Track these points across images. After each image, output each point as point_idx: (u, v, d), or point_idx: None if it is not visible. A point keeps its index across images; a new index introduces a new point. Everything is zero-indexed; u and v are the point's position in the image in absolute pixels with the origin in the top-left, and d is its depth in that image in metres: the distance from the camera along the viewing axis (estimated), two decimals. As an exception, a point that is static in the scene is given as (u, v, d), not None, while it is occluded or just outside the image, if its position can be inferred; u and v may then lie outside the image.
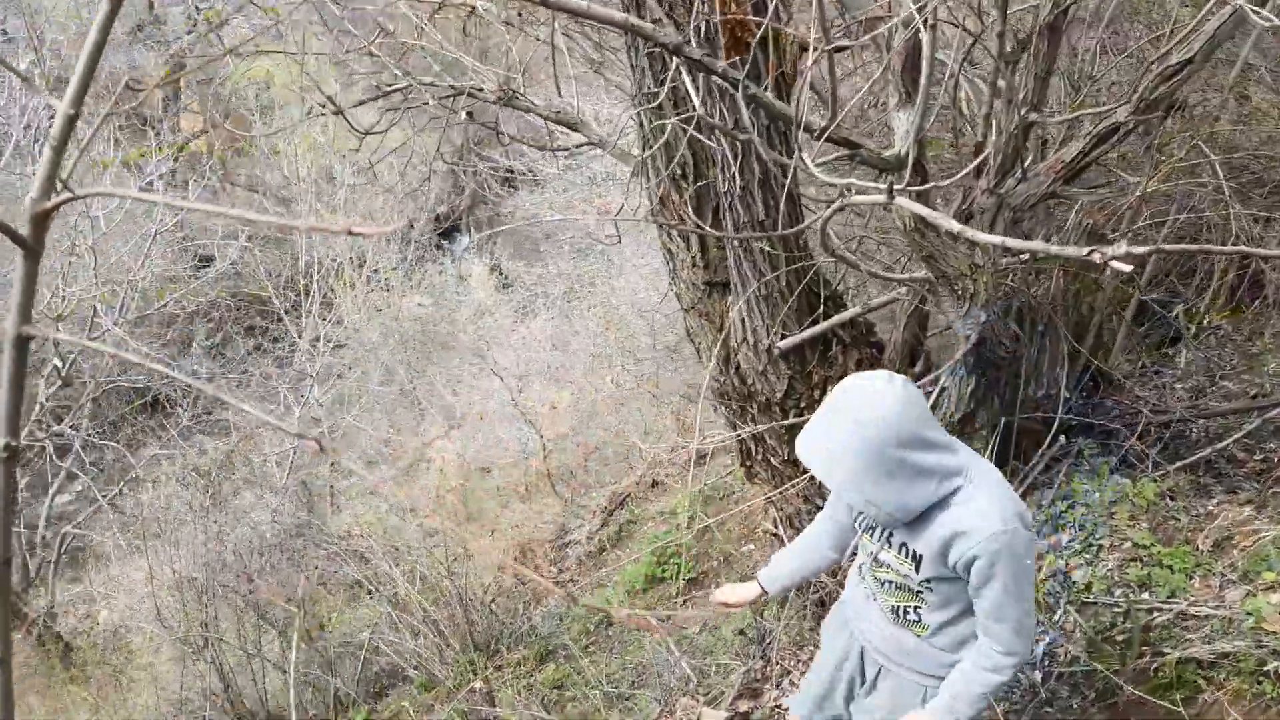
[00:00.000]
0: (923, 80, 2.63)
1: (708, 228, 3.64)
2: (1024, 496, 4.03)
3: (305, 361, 12.04)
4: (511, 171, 14.33)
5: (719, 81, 2.76)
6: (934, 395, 3.60)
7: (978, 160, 3.32)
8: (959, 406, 3.75)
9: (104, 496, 10.72)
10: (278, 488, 8.04)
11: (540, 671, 6.05)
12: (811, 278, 3.79)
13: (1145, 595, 3.40)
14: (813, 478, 3.75)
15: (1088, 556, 3.64)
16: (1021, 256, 3.51)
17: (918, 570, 2.16)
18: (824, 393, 3.90)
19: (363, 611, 6.59)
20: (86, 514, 11.00)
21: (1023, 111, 3.27)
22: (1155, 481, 3.84)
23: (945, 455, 2.05)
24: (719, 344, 4.00)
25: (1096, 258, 1.64)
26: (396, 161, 12.09)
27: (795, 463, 4.01)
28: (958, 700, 2.17)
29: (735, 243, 3.73)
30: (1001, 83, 3.19)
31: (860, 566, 2.46)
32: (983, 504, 2.03)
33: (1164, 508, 3.71)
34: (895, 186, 2.20)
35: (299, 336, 12.00)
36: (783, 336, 3.84)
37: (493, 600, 6.61)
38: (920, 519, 2.06)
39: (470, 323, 11.55)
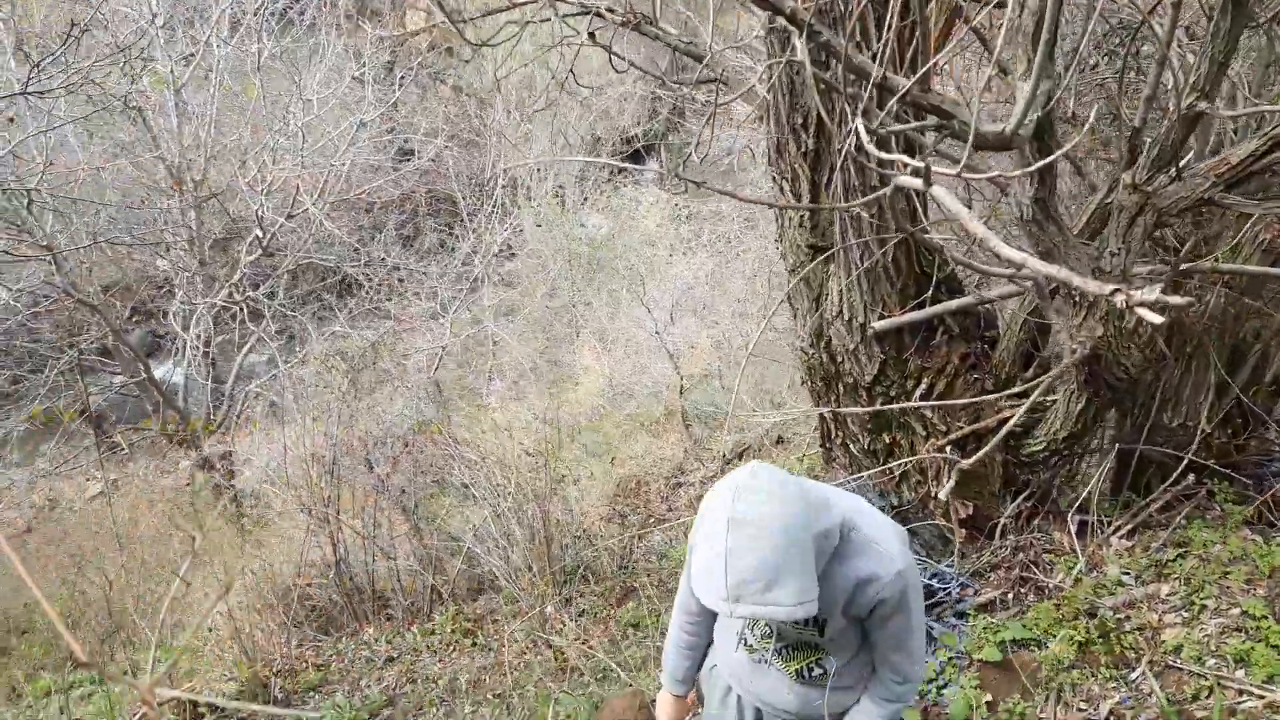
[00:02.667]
0: (1042, 43, 2.27)
1: (807, 185, 3.34)
2: (1131, 534, 3.59)
3: (481, 265, 12.40)
4: (710, 101, 14.02)
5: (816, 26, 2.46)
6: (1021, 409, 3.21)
7: (1130, 153, 2.87)
8: (1064, 425, 3.34)
9: (285, 363, 11.56)
10: (413, 384, 8.35)
11: (621, 606, 6.08)
12: (922, 257, 3.43)
13: (1239, 673, 2.95)
14: (889, 473, 3.48)
15: (1186, 616, 3.20)
16: (1167, 267, 3.05)
17: (822, 633, 2.01)
18: (918, 383, 3.58)
19: (470, 514, 6.78)
20: (265, 378, 11.88)
21: (1191, 99, 2.78)
22: (1293, 546, 3.31)
23: (830, 511, 1.81)
24: (813, 314, 3.73)
25: (1119, 300, 1.34)
26: (595, 78, 12.07)
27: (874, 453, 3.73)
28: None
29: (844, 209, 3.42)
30: (1172, 62, 2.72)
31: (739, 636, 2.24)
32: (878, 547, 1.88)
33: (1292, 579, 3.19)
34: (964, 170, 1.90)
35: (477, 239, 12.33)
36: (882, 317, 3.53)
37: (587, 529, 6.67)
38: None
39: (635, 249, 11.50)
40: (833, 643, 2.04)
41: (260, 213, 11.88)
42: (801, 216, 3.66)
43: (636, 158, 15.52)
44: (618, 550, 6.88)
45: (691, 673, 2.45)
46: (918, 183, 1.72)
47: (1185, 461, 3.49)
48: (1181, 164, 2.77)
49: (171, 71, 12.38)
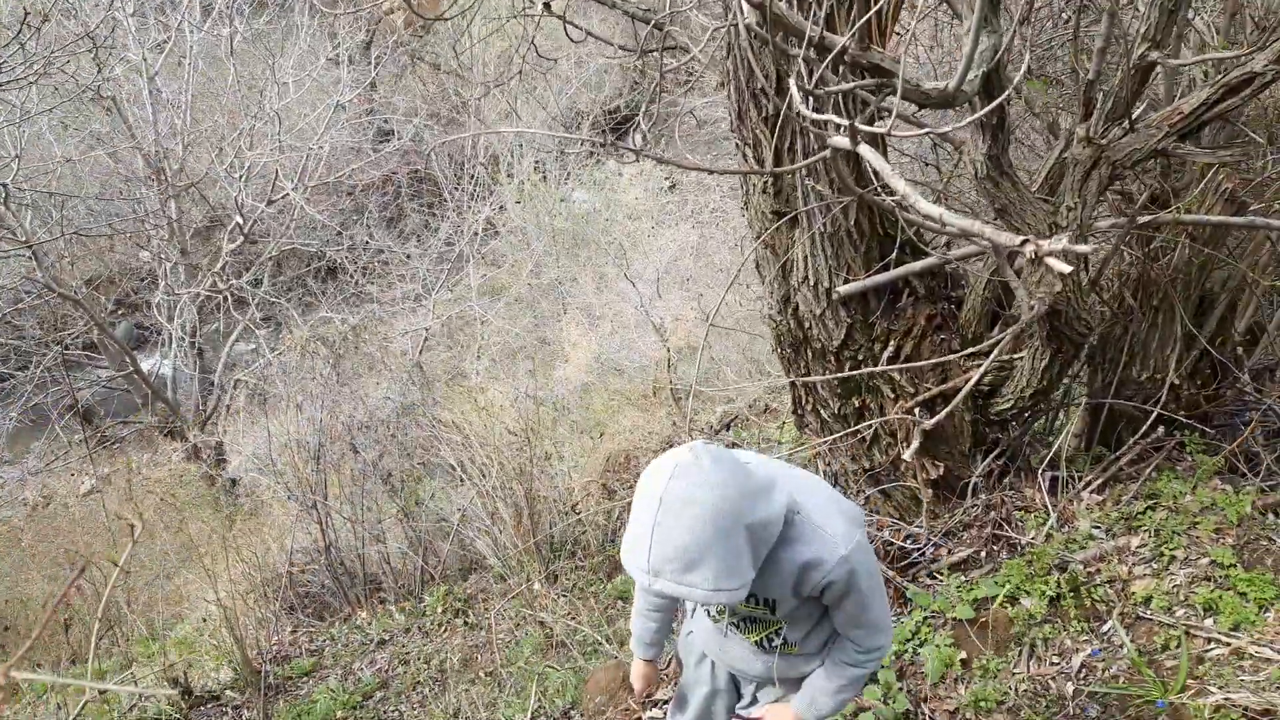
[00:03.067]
0: None
1: (770, 150, 3.32)
2: (1103, 488, 3.60)
3: (464, 245, 12.35)
4: (691, 73, 13.93)
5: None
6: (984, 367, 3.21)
7: (1085, 105, 2.85)
8: (1030, 382, 3.34)
9: (272, 351, 11.55)
10: (394, 368, 8.34)
11: (611, 580, 6.10)
12: (885, 219, 3.41)
13: (1208, 622, 2.97)
14: (860, 436, 3.48)
15: (1155, 567, 3.21)
16: (1125, 220, 3.03)
17: (774, 612, 2.02)
18: (885, 346, 3.57)
19: (457, 495, 6.80)
20: (252, 366, 11.87)
21: (1142, 49, 2.76)
22: (1261, 493, 3.32)
23: (771, 499, 1.79)
24: (779, 281, 3.71)
25: (1029, 249, 1.33)
26: (574, 51, 11.97)
27: (845, 417, 3.73)
28: (818, 694, 2.14)
29: (804, 172, 3.40)
30: (1122, 13, 2.69)
31: (705, 608, 2.25)
32: (823, 531, 1.87)
33: (1260, 525, 3.20)
34: (891, 127, 1.88)
35: (459, 218, 12.27)
36: (846, 281, 3.51)
37: (575, 505, 6.68)
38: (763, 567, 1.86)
39: (619, 223, 11.45)
40: (789, 619, 2.05)
41: (240, 199, 11.82)
42: (765, 183, 3.63)
43: (621, 129, 15.43)
44: (605, 524, 6.90)
45: (659, 637, 2.46)
46: (846, 142, 1.70)
47: (1155, 414, 3.49)
48: (1135, 115, 2.75)
49: (144, 59, 12.26)
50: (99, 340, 13.11)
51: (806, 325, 3.67)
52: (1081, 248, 1.27)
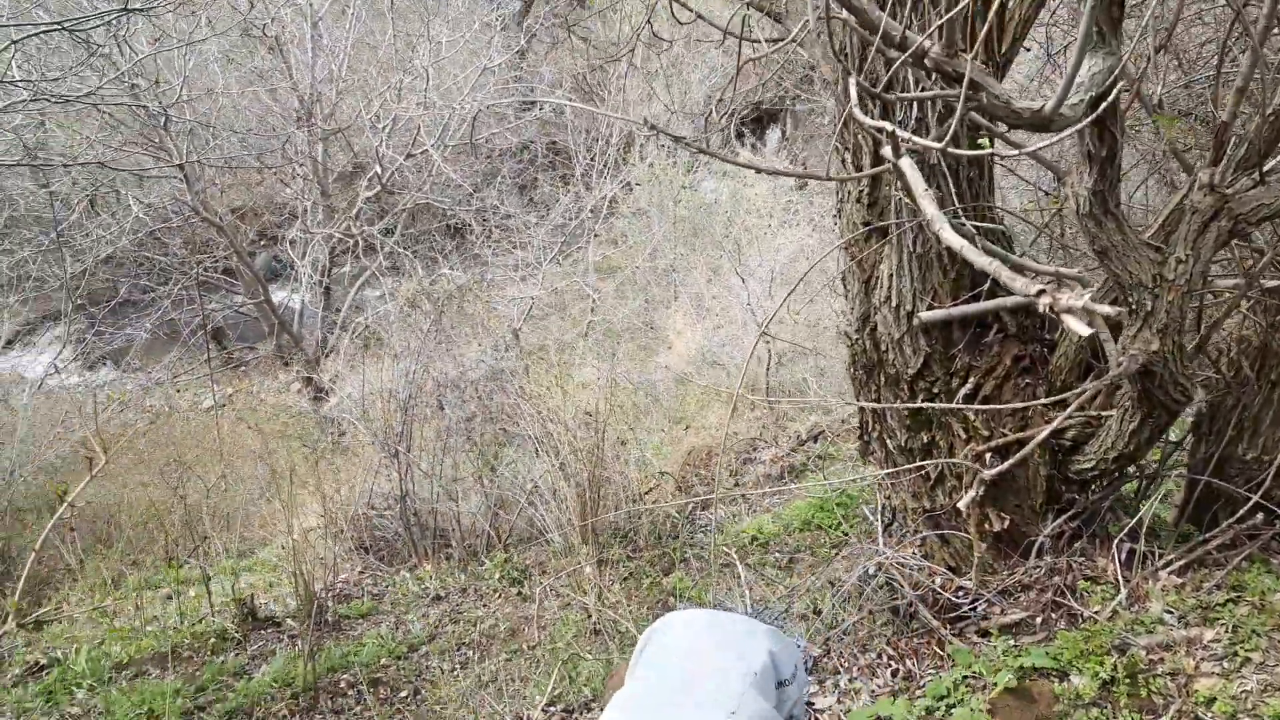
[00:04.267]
0: (1088, 9, 2.02)
1: (869, 157, 3.12)
2: (1184, 571, 3.27)
3: (587, 220, 12.39)
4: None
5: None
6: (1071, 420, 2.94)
7: (1218, 148, 2.55)
8: (1116, 444, 3.05)
9: (387, 299, 11.87)
10: (494, 332, 8.41)
11: (669, 575, 6.00)
12: (985, 244, 3.17)
13: (1275, 739, 2.66)
14: (924, 473, 3.28)
15: (1226, 666, 2.90)
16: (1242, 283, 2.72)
17: None
18: (964, 382, 3.33)
19: (530, 466, 6.82)
20: (375, 312, 12.21)
21: (1290, 93, 2.45)
22: (1366, 607, 2.95)
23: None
24: (861, 298, 3.51)
25: (1044, 302, 1.15)
26: (717, 39, 11.78)
27: (910, 451, 3.51)
28: None
29: (897, 185, 3.19)
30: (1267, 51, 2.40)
31: None
32: None
33: (1357, 643, 2.84)
34: (948, 146, 1.70)
35: (585, 191, 12.31)
36: (931, 307, 3.29)
37: (646, 492, 6.59)
38: None
39: (740, 216, 11.26)
40: None
41: (380, 150, 12.16)
42: (860, 192, 3.44)
43: (761, 124, 15.19)
44: (673, 517, 6.81)
45: None
46: (880, 169, 1.54)
47: (1255, 499, 3.15)
48: (1268, 167, 2.45)
49: (310, 3, 12.73)
50: (236, 267, 13.76)
51: (883, 348, 3.46)
52: (1104, 309, 1.09)
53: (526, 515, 6.57)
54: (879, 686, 3.43)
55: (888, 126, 1.72)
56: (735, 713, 1.85)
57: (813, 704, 3.26)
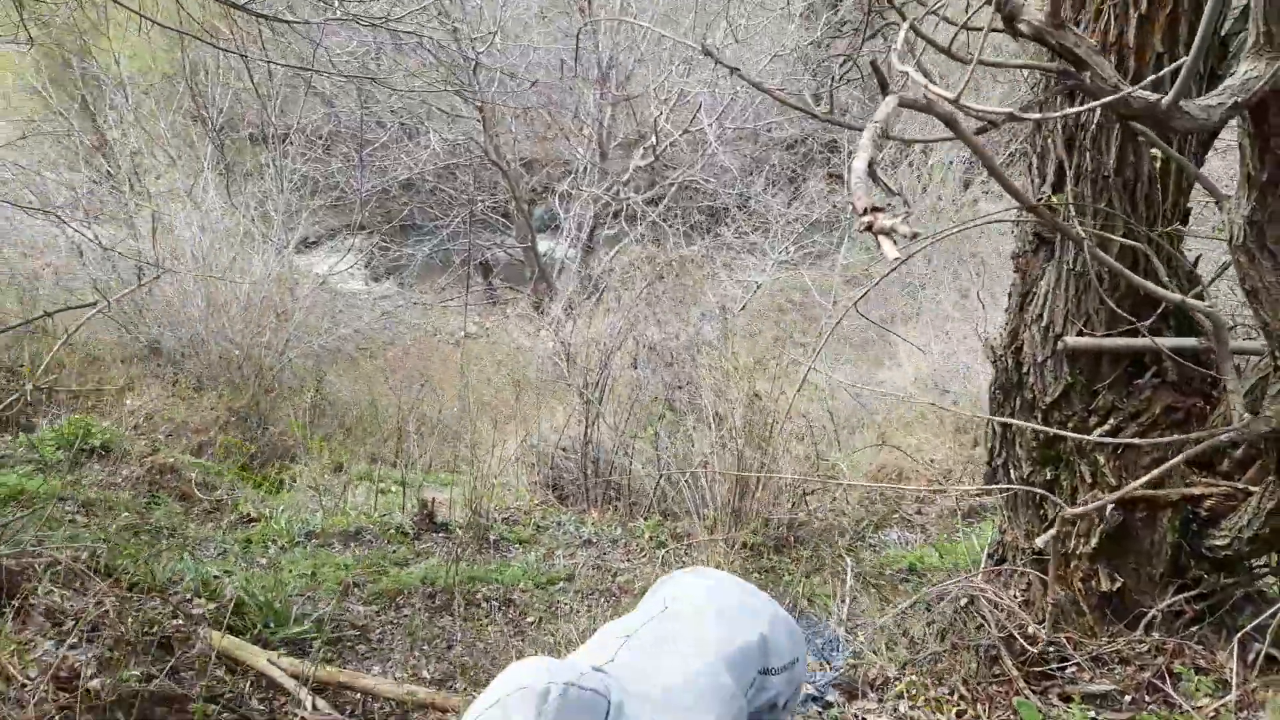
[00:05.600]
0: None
1: (1054, 165, 2.89)
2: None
3: (846, 221, 12.16)
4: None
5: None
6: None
7: None
8: (1253, 521, 2.65)
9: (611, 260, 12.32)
10: (707, 309, 8.47)
11: (810, 578, 5.88)
12: (1153, 272, 2.83)
13: None
14: (1041, 512, 3.05)
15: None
16: None
17: None
18: (1103, 422, 3.02)
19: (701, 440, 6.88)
20: (619, 273, 12.73)
21: None
22: None
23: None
24: (1014, 312, 3.26)
25: (863, 221, 1.11)
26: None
27: (1032, 485, 3.24)
28: None
29: (1081, 197, 2.92)
30: None
31: None
32: None
33: None
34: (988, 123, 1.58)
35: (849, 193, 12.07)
36: (1081, 334, 3.00)
37: (810, 493, 6.45)
38: None
39: (1009, 239, 10.58)
40: None
41: (658, 122, 12.58)
42: (1040, 200, 3.18)
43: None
44: (835, 528, 6.64)
45: None
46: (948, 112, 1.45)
47: None
48: None
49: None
50: (513, 211, 14.79)
51: (1025, 369, 3.20)
52: (904, 228, 1.01)
53: (684, 487, 6.65)
54: (938, 723, 3.21)
55: (916, 75, 1.60)
56: (690, 681, 1.82)
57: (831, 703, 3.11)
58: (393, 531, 6.46)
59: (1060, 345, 3.02)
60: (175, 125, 10.89)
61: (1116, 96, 1.83)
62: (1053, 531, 2.51)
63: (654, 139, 12.90)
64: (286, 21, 6.00)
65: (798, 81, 13.28)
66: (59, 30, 12.32)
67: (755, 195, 13.28)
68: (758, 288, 9.53)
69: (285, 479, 7.95)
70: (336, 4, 6.94)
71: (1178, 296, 2.44)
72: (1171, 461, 2.38)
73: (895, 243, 1.09)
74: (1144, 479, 2.44)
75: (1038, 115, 1.96)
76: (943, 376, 9.94)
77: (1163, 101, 1.81)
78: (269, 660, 3.72)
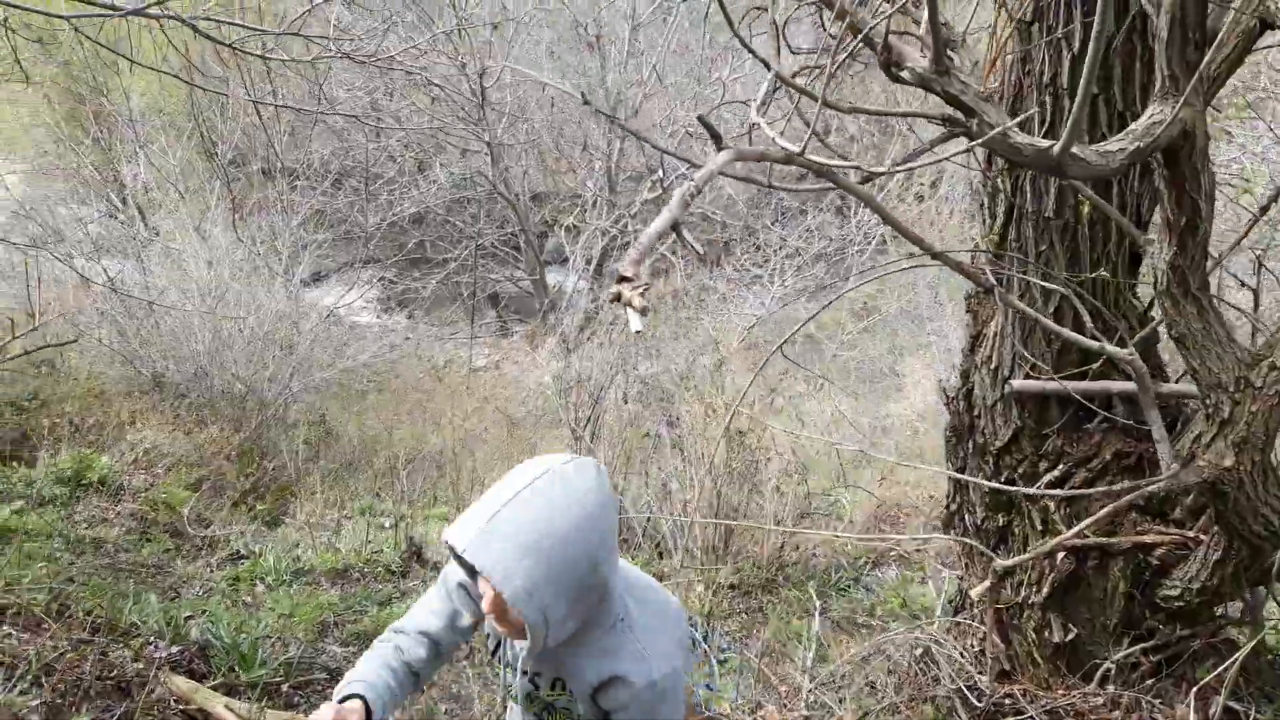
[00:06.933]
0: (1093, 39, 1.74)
1: (1004, 204, 2.84)
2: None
3: (854, 254, 12.14)
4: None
5: None
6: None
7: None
8: (1200, 573, 2.57)
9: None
10: (699, 342, 8.45)
11: (800, 620, 5.80)
12: (1105, 316, 2.77)
13: None
14: (992, 560, 2.98)
15: None
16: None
17: (577, 706, 1.80)
18: (1052, 467, 2.95)
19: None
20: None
21: None
22: None
23: (611, 580, 1.67)
24: (965, 353, 3.20)
25: (613, 290, 1.09)
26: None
27: (986, 532, 3.17)
28: None
29: (1020, 239, 2.87)
30: None
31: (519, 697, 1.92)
32: (639, 648, 1.71)
33: None
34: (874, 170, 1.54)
35: (856, 230, 12.05)
36: (1028, 376, 2.94)
37: (792, 526, 6.37)
38: (570, 650, 1.70)
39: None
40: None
41: (663, 153, 12.57)
42: (991, 240, 3.13)
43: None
44: (831, 566, 6.56)
45: (376, 691, 1.88)
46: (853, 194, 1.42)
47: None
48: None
49: (634, 7, 13.44)
50: (524, 244, 14.87)
51: (975, 412, 3.14)
52: (641, 302, 0.98)
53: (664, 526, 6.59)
54: (890, 775, 3.13)
55: (789, 147, 1.56)
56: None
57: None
58: (380, 570, 6.42)
59: (1007, 388, 2.96)
60: (185, 161, 11.06)
61: (999, 142, 1.80)
62: (987, 583, 2.44)
63: (660, 171, 12.94)
64: (284, 61, 6.07)
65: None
66: (76, 66, 12.61)
67: (762, 226, 13.27)
68: (756, 321, 9.49)
69: (282, 515, 7.97)
70: (331, 45, 7.03)
71: (1096, 344, 2.38)
72: (1098, 514, 2.31)
73: (642, 314, 1.06)
74: (1072, 531, 2.38)
75: (884, 169, 1.91)
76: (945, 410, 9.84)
77: (1053, 149, 1.77)
78: (225, 705, 3.70)
